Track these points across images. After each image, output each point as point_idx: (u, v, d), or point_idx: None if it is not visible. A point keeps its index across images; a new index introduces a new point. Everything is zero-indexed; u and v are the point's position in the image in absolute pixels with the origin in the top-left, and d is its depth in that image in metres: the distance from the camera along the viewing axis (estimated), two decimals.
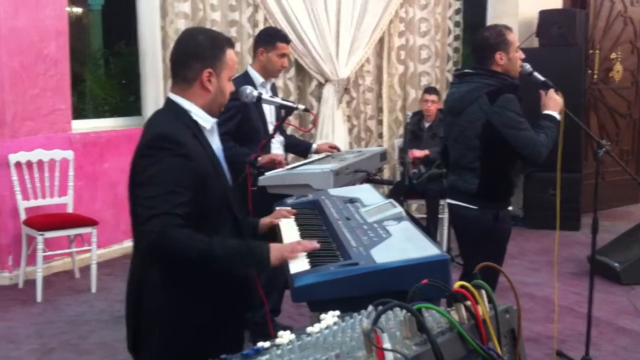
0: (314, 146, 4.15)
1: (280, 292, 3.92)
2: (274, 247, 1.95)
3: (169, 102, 2.11)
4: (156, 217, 1.82)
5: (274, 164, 3.46)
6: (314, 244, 1.99)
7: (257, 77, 3.81)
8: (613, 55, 7.54)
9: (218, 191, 2.07)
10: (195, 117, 2.07)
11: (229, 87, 2.12)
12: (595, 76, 7.40)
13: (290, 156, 4.40)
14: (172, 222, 1.83)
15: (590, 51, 7.26)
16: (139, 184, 1.93)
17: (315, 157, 4.00)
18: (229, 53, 2.09)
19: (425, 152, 5.83)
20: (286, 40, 3.86)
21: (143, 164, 1.94)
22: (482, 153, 3.18)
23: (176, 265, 1.94)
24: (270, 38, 3.84)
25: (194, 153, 1.97)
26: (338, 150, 4.11)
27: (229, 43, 2.12)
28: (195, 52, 2.05)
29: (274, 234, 2.40)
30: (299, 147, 4.23)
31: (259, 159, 3.07)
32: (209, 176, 2.02)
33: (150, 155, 1.93)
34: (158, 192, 1.87)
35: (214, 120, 2.13)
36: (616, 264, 5.11)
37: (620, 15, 7.54)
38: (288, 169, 3.42)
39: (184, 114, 2.06)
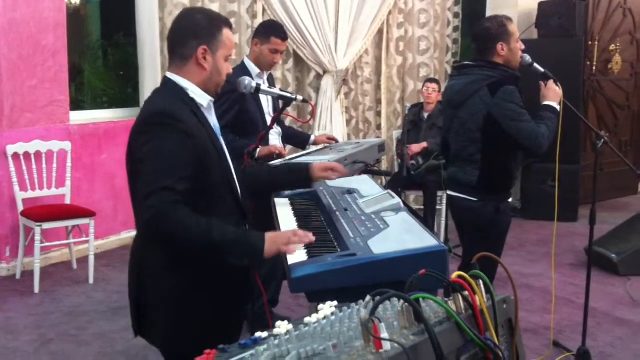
0: (312, 137, 4.15)
1: (279, 283, 3.93)
2: (269, 238, 1.93)
3: (166, 80, 2.11)
4: (155, 193, 1.81)
5: (273, 156, 3.46)
6: (310, 237, 1.97)
7: (254, 68, 3.79)
8: (612, 47, 7.53)
9: (218, 168, 2.06)
10: (192, 95, 2.06)
11: (226, 68, 2.11)
12: (594, 67, 7.38)
13: (289, 147, 4.40)
14: (171, 198, 1.82)
15: (590, 42, 7.24)
16: (139, 160, 1.92)
17: (313, 148, 3.99)
18: (226, 32, 2.08)
19: (423, 144, 5.83)
20: (281, 36, 3.79)
21: (142, 140, 1.93)
22: (484, 145, 3.17)
23: (173, 245, 1.92)
24: (266, 31, 3.81)
25: (193, 130, 1.97)
26: (336, 141, 4.10)
27: (227, 23, 2.11)
28: (192, 30, 2.05)
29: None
30: (297, 139, 4.22)
31: (258, 150, 3.07)
32: (208, 153, 2.01)
33: (149, 132, 1.93)
34: (157, 167, 1.86)
35: (211, 98, 2.12)
36: (614, 255, 5.12)
37: (619, 6, 7.52)
38: (286, 160, 3.41)
39: (181, 91, 2.06)
